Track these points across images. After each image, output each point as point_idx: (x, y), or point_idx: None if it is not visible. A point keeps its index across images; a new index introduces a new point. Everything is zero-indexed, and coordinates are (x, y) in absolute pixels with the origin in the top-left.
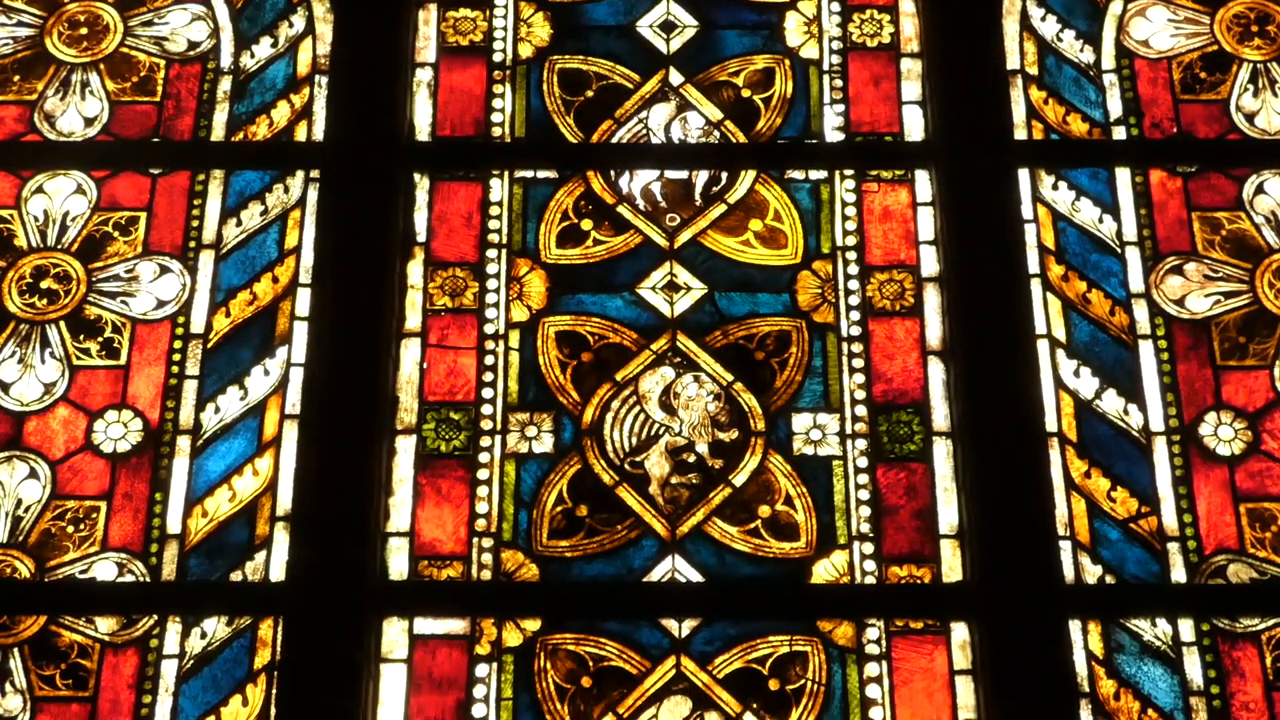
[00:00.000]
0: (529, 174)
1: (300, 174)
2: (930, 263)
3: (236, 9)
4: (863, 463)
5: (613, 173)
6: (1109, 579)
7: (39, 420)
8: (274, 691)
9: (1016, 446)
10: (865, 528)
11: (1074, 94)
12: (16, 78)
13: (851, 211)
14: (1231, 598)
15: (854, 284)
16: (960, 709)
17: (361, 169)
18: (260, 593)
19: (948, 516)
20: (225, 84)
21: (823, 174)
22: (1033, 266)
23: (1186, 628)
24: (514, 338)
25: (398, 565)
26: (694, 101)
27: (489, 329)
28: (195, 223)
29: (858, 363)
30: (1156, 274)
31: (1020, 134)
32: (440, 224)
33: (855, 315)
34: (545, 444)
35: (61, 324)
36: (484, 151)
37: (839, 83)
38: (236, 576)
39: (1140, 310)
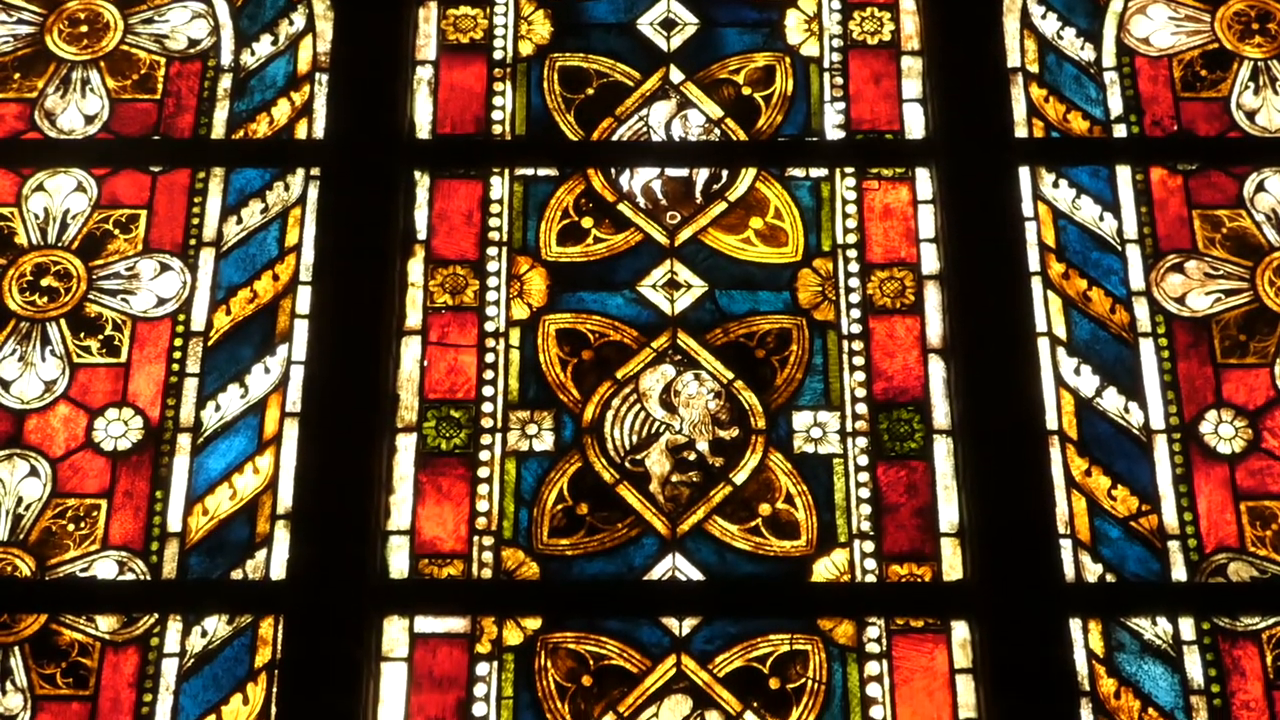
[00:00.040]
0: (529, 172)
1: (301, 172)
2: (931, 260)
3: (237, 7)
4: (863, 461)
5: (613, 170)
6: (1109, 577)
7: (39, 418)
8: (275, 690)
9: (1017, 445)
10: (866, 526)
11: (1074, 92)
12: (17, 75)
13: (852, 209)
14: (1232, 596)
15: (854, 282)
16: (961, 707)
17: (362, 167)
18: (261, 591)
19: (948, 515)
20: (225, 82)
21: (823, 172)
22: (1033, 264)
23: (1187, 626)
24: (514, 335)
25: (398, 563)
26: (694, 99)
27: (489, 327)
28: (196, 220)
29: (858, 360)
30: (1157, 272)
31: (1021, 132)
32: (441, 222)
33: (856, 313)
34: (546, 442)
35: (62, 322)
36: (484, 149)
37: (839, 80)
38: (237, 575)
39: (1141, 308)
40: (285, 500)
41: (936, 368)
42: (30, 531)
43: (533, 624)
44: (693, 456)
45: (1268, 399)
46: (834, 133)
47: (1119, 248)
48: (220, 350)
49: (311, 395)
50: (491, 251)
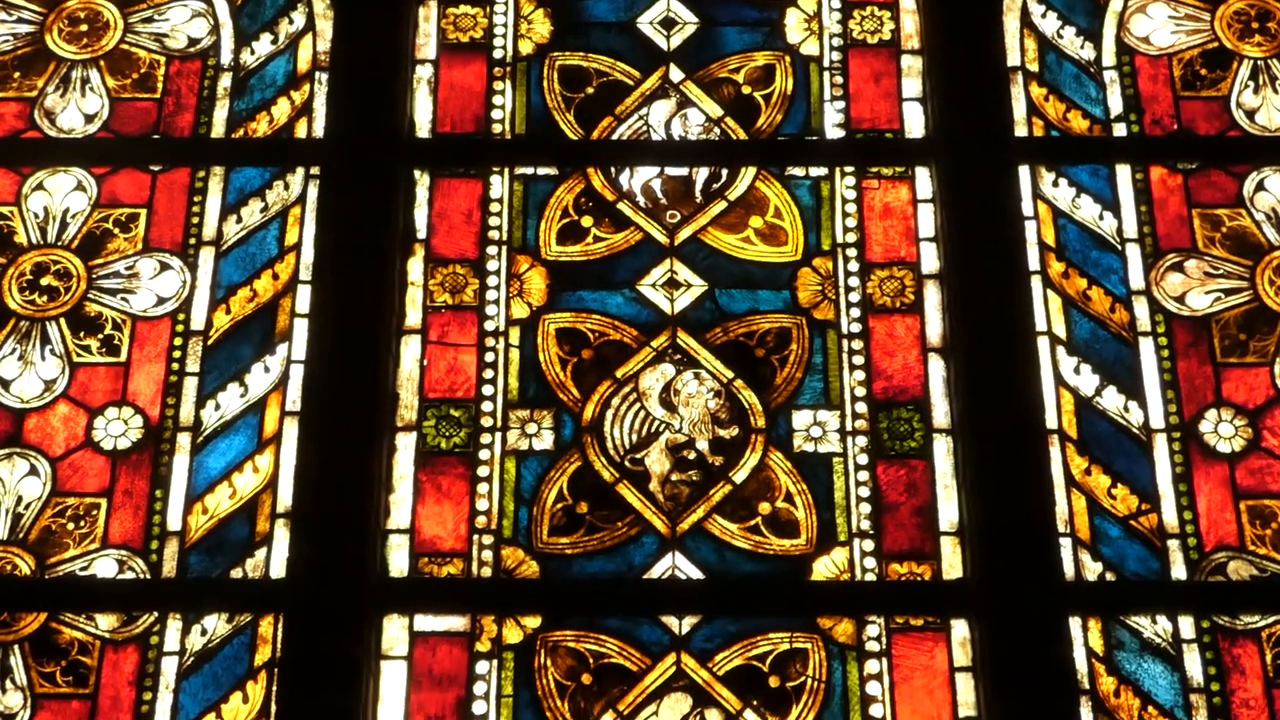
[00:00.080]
0: (529, 171)
1: (300, 171)
2: (930, 259)
3: (237, 6)
4: (863, 460)
5: (613, 169)
6: (1109, 576)
7: (39, 417)
8: (274, 688)
9: (1017, 443)
10: (865, 525)
11: (1074, 91)
12: (16, 74)
13: (852, 208)
14: (1231, 595)
15: (854, 281)
16: (960, 706)
17: (362, 166)
18: (260, 590)
19: (948, 513)
20: (225, 81)
21: (823, 171)
22: (1033, 263)
23: (1187, 625)
24: (514, 335)
25: (398, 562)
26: (694, 98)
27: (489, 326)
28: (195, 219)
29: (858, 360)
30: (1157, 271)
31: (1021, 131)
32: (440, 221)
33: (855, 312)
34: (545, 441)
35: (62, 321)
36: (484, 148)
37: (839, 79)
38: (237, 573)
39: (1140, 307)
40: (285, 499)
41: (936, 367)
42: (30, 530)
43: (532, 622)
44: (692, 455)
45: (1267, 398)
46: (834, 132)
47: (1119, 247)
48: (220, 349)
49: (311, 394)
50: (491, 250)
